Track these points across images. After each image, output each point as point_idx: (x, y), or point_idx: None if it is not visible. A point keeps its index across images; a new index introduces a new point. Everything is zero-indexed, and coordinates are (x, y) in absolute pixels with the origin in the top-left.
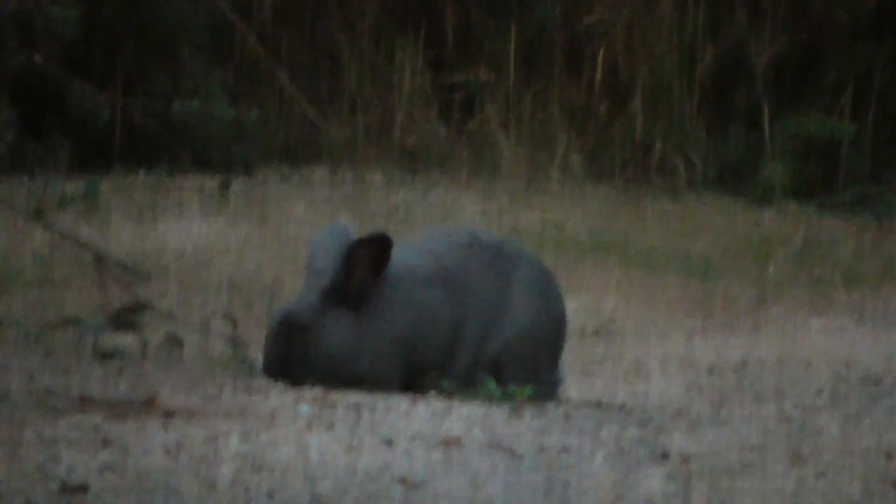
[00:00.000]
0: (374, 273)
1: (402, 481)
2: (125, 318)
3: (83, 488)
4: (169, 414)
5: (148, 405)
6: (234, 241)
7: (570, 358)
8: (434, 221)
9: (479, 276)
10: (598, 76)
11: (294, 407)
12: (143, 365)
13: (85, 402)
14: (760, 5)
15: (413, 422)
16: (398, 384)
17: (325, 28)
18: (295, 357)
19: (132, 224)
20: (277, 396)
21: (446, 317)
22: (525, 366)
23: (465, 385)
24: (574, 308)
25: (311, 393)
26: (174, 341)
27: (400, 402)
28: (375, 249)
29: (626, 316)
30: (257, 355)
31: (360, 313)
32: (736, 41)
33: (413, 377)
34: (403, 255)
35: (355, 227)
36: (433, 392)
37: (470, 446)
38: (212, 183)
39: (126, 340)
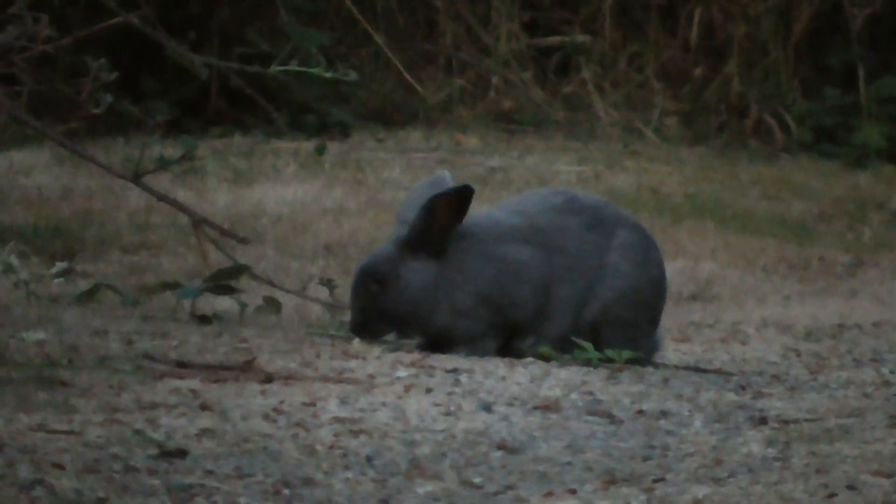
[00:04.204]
0: (455, 221)
1: (501, 446)
2: (223, 282)
3: (182, 453)
4: (267, 378)
5: (246, 369)
6: (330, 204)
7: (668, 322)
8: (530, 184)
9: (576, 238)
10: (694, 37)
11: (392, 371)
12: (241, 329)
13: (183, 367)
14: None
15: (511, 386)
16: (493, 345)
17: None
18: (375, 308)
19: (228, 187)
20: (375, 361)
21: (534, 275)
22: (623, 330)
23: (562, 349)
24: (671, 272)
25: (408, 358)
26: (272, 305)
27: (497, 367)
28: (457, 199)
29: (722, 280)
30: None
31: (441, 263)
32: (832, 2)
33: (509, 340)
34: (494, 212)
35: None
36: (531, 356)
37: (568, 411)
38: (308, 146)
39: (224, 304)
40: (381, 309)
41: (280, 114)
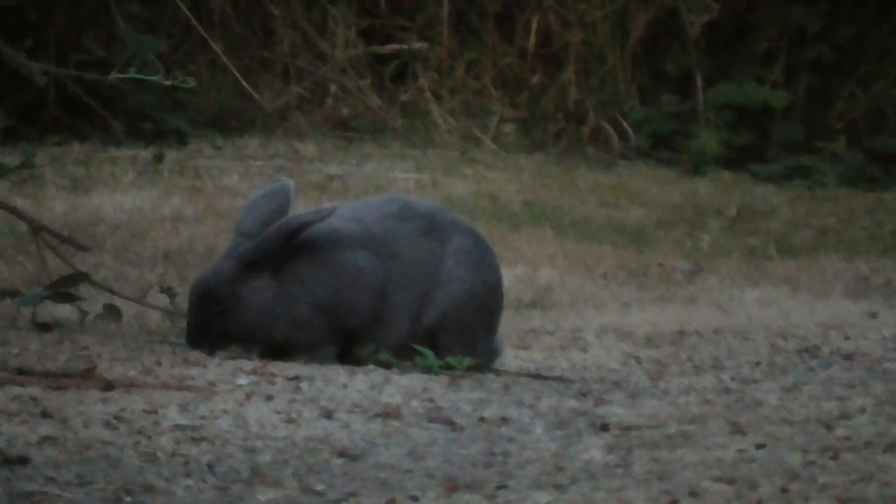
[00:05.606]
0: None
1: (342, 453)
2: (63, 290)
3: (23, 460)
4: (108, 386)
5: (87, 377)
6: (168, 212)
7: (507, 329)
8: (368, 192)
9: (411, 245)
10: (531, 44)
11: (233, 379)
12: (82, 336)
13: (23, 374)
14: None
15: (351, 393)
16: (332, 352)
17: None
18: (214, 328)
19: (66, 195)
20: (216, 368)
21: (371, 282)
22: (461, 336)
23: (402, 356)
24: (509, 279)
25: (249, 365)
26: (112, 313)
27: (338, 374)
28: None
29: (561, 287)
30: None
31: (279, 278)
32: (668, 8)
33: (348, 346)
34: (329, 220)
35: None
36: (371, 363)
37: (409, 418)
38: (145, 154)
39: (64, 312)
40: (221, 329)
41: (117, 121)
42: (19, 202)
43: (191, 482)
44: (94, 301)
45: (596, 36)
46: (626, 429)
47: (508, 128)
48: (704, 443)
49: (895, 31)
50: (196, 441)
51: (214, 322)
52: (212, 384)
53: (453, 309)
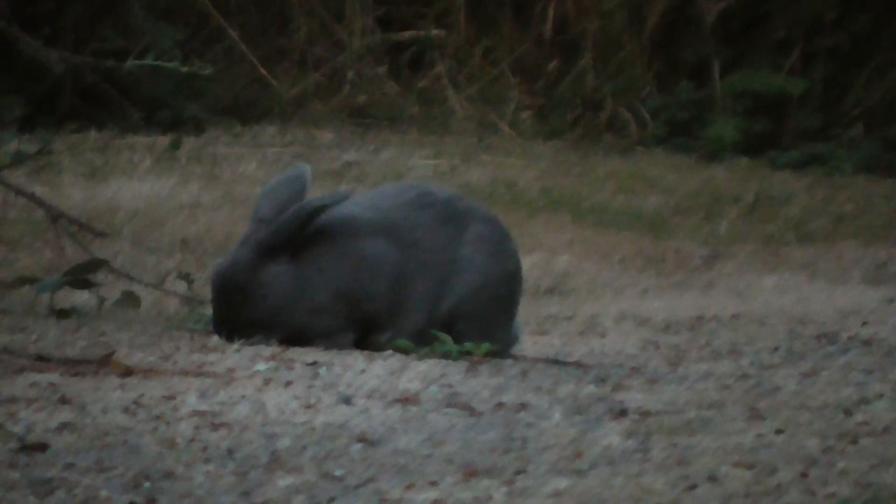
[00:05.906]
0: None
1: (361, 439)
2: (81, 277)
3: (42, 447)
4: (126, 372)
5: (105, 363)
6: (185, 199)
7: (525, 316)
8: (385, 179)
9: (430, 232)
10: (548, 31)
11: (251, 365)
12: (100, 323)
13: (42, 361)
14: None
15: (370, 379)
16: (350, 339)
17: None
18: (237, 316)
19: (84, 183)
20: (234, 354)
21: (389, 269)
22: (479, 323)
23: (421, 342)
24: (527, 266)
25: (268, 351)
26: (130, 299)
27: (357, 360)
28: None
29: (579, 273)
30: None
31: (297, 262)
32: None
33: (367, 333)
34: (347, 207)
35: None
36: (389, 350)
37: (427, 404)
38: (163, 141)
39: (82, 298)
40: (244, 317)
41: (134, 109)
42: (37, 190)
43: (210, 468)
44: (113, 287)
45: (613, 23)
46: (645, 414)
47: (525, 115)
48: (723, 428)
49: None
50: (215, 427)
51: (236, 310)
52: (230, 370)
53: (472, 296)
